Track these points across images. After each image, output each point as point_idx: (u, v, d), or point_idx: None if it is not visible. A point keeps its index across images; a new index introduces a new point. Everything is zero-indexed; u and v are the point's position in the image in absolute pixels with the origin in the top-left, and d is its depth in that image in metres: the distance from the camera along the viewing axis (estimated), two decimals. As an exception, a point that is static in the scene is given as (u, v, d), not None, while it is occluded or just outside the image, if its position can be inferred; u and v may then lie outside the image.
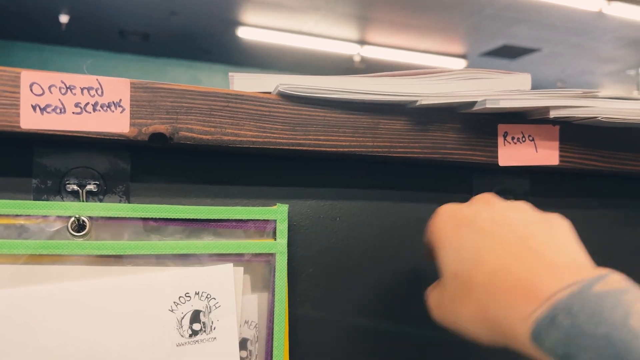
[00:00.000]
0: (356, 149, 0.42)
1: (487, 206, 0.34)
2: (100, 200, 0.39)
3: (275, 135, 0.40)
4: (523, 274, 0.28)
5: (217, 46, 5.64)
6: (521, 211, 0.33)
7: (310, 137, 0.41)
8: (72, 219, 0.37)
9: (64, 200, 0.39)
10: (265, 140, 0.40)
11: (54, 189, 0.38)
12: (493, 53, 5.46)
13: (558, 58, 5.37)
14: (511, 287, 0.27)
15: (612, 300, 0.24)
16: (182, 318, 0.38)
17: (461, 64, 5.86)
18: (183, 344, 0.38)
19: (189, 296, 0.39)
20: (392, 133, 0.42)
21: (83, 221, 0.38)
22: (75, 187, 0.39)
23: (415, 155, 0.43)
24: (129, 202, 0.40)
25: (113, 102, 0.36)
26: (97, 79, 0.36)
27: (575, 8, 4.02)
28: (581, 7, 4.00)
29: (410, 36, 5.20)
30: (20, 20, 4.67)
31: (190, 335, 0.39)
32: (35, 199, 0.38)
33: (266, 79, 0.42)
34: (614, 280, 0.26)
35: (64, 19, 4.53)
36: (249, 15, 4.75)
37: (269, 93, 0.41)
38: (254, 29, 5.03)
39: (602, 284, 0.25)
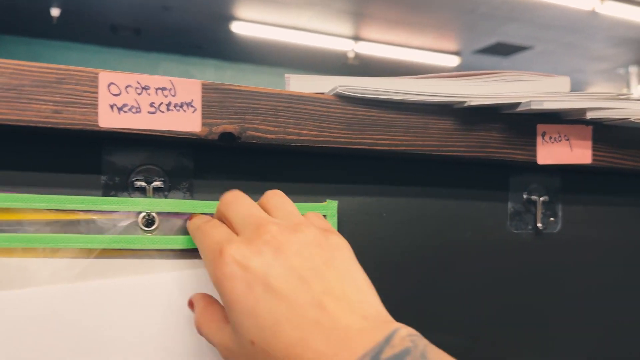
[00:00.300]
0: (407, 148, 0.44)
1: (276, 254, 0.31)
2: (166, 196, 0.41)
3: (333, 134, 0.42)
4: (320, 348, 0.28)
5: (210, 41, 5.62)
6: (309, 249, 0.32)
7: (366, 136, 0.43)
8: (143, 214, 0.39)
9: (131, 197, 0.40)
10: (324, 139, 0.41)
11: (121, 186, 0.40)
12: (486, 50, 5.51)
13: (550, 56, 5.43)
14: None
15: None
16: None
17: (454, 60, 5.90)
18: None
19: None
20: (440, 132, 0.44)
21: (152, 216, 0.39)
22: (143, 184, 0.40)
23: (462, 154, 0.45)
24: (192, 198, 0.42)
25: (185, 102, 0.37)
26: (170, 80, 0.37)
27: (569, 7, 4.08)
28: (575, 6, 4.06)
29: (405, 33, 5.23)
30: (10, 14, 4.61)
31: None
32: (104, 195, 0.39)
33: (320, 80, 0.44)
34: (400, 338, 0.28)
35: (55, 12, 4.48)
36: (243, 9, 4.74)
37: (322, 94, 0.43)
38: (248, 24, 5.02)
39: (389, 349, 0.27)
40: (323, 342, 0.28)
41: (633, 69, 5.43)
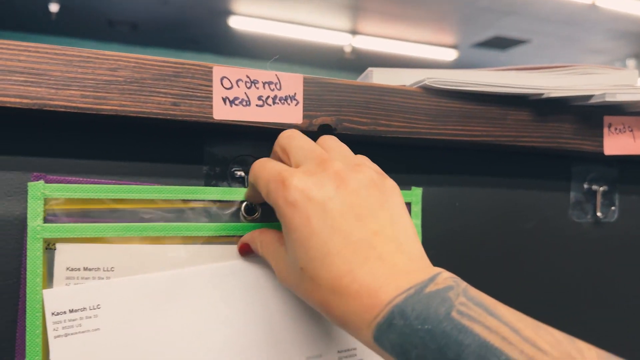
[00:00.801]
0: (486, 139, 0.46)
1: (337, 188, 0.32)
2: (260, 186, 0.42)
3: (418, 125, 0.43)
4: (367, 281, 0.29)
5: (207, 36, 5.60)
6: (367, 190, 0.33)
7: (448, 127, 0.44)
8: (245, 202, 0.40)
9: (230, 186, 0.42)
10: (411, 130, 0.43)
11: (221, 175, 0.41)
12: (484, 44, 5.54)
13: (547, 49, 5.47)
14: (356, 294, 0.29)
15: (439, 298, 0.27)
16: None
17: (452, 54, 5.92)
18: None
19: None
20: (518, 123, 0.46)
21: (254, 205, 0.41)
22: (241, 173, 0.42)
23: (537, 145, 0.47)
24: (283, 188, 0.43)
25: (289, 95, 0.39)
26: (276, 75, 0.39)
27: (568, 0, 4.11)
28: (574, 0, 4.08)
29: (402, 26, 5.24)
30: (9, 10, 4.57)
31: None
32: (205, 185, 0.41)
33: (402, 73, 0.46)
34: (444, 278, 0.29)
35: (54, 8, 4.45)
36: (241, 4, 4.72)
37: (404, 86, 0.45)
38: (246, 19, 5.01)
39: (433, 285, 0.28)
40: (370, 276, 0.29)
41: (630, 62, 5.49)
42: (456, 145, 0.46)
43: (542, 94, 0.45)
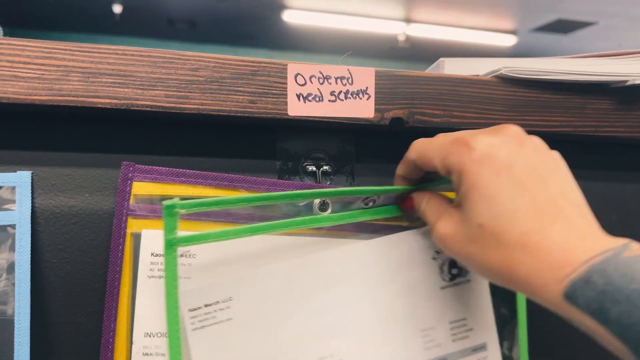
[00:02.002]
0: (564, 129, 0.44)
1: (519, 148, 0.33)
2: (331, 180, 0.43)
3: (494, 116, 0.42)
4: (559, 239, 0.30)
5: (262, 31, 5.67)
6: (543, 153, 0.34)
7: (526, 117, 0.43)
8: (319, 200, 0.41)
9: (302, 180, 0.42)
10: (486, 121, 0.42)
11: (294, 170, 0.42)
12: (545, 28, 5.30)
13: (614, 32, 5.17)
14: (547, 251, 0.29)
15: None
16: (443, 264, 0.42)
17: (510, 40, 5.71)
18: (445, 287, 0.42)
19: None
20: (598, 113, 0.44)
21: (327, 202, 0.41)
22: (313, 168, 0.42)
23: (619, 134, 0.45)
24: (354, 181, 0.43)
25: (361, 89, 0.39)
26: (348, 69, 0.39)
27: (638, -22, 3.86)
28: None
29: (458, 13, 5.09)
30: (75, 12, 4.81)
31: (451, 279, 0.42)
32: (279, 179, 0.42)
33: (475, 62, 0.45)
34: (636, 247, 0.29)
35: (117, 9, 4.64)
36: (295, -2, 4.75)
37: (477, 76, 0.44)
38: (300, 12, 5.03)
39: (629, 251, 0.28)
40: (561, 235, 0.30)
41: None
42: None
43: (626, 81, 0.43)
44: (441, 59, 0.45)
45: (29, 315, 0.35)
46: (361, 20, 5.23)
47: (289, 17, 5.13)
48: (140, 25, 5.18)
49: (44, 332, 0.37)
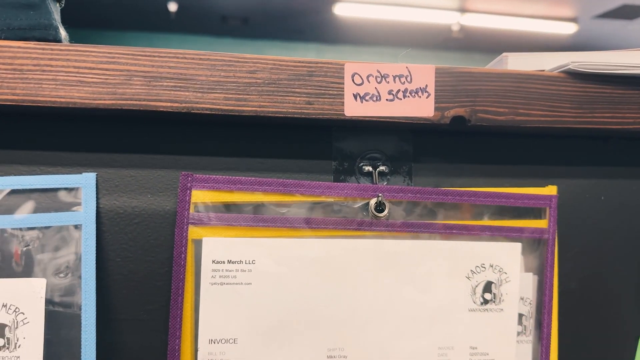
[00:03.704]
0: (639, 126, 0.41)
1: None
2: (388, 181, 0.42)
3: (563, 114, 0.40)
4: None
5: (313, 25, 5.68)
6: None
7: (597, 114, 0.40)
8: (375, 200, 0.40)
9: (358, 181, 0.42)
10: (553, 119, 0.40)
11: (350, 170, 0.41)
12: (609, 14, 5.03)
13: (688, 15, 4.83)
14: None
15: None
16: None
17: (571, 28, 5.45)
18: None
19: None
20: (679, 108, 0.41)
21: (383, 203, 0.40)
22: (369, 169, 0.42)
23: (702, 130, 0.41)
24: (411, 182, 0.42)
25: (420, 87, 0.38)
26: (406, 67, 0.38)
27: None
28: None
29: (514, 1, 4.91)
30: (132, 12, 4.98)
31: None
32: (335, 180, 0.41)
33: (540, 57, 0.42)
34: None
35: (172, 7, 4.76)
36: (346, -9, 4.72)
37: (542, 71, 0.41)
38: (351, 4, 5.00)
39: None
40: None
41: None
42: (605, 134, 0.42)
43: None
44: (504, 54, 0.43)
45: (95, 312, 0.37)
46: (413, 11, 5.14)
47: (340, 10, 5.11)
48: (194, 23, 5.30)
49: (108, 328, 0.38)
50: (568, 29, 5.49)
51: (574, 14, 5.20)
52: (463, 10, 5.19)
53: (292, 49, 6.28)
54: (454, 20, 5.34)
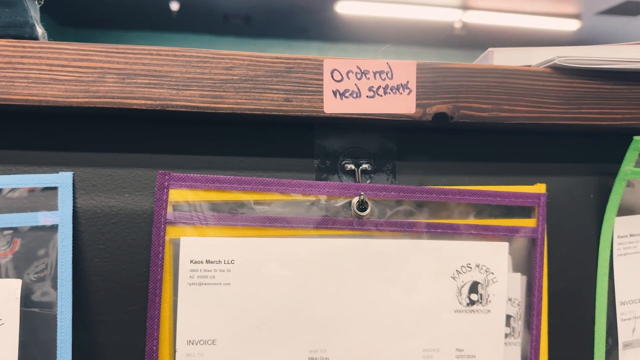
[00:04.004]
0: (629, 122, 0.40)
1: None
2: (371, 179, 0.41)
3: (548, 110, 0.39)
4: None
5: (314, 24, 5.67)
6: None
7: (583, 110, 0.40)
8: (357, 198, 0.40)
9: (341, 180, 0.41)
10: (539, 115, 0.39)
11: (332, 169, 0.41)
12: (612, 11, 4.99)
13: (692, 11, 4.79)
14: None
15: None
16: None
17: (574, 25, 5.42)
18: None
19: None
20: (668, 103, 0.40)
21: (365, 202, 0.40)
22: (352, 167, 0.41)
23: (693, 126, 0.40)
24: (395, 180, 0.42)
25: (401, 84, 0.37)
26: (387, 63, 0.37)
27: None
28: None
29: (518, -2, 4.88)
30: (134, 11, 4.98)
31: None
32: (317, 178, 0.41)
33: (526, 52, 0.42)
34: None
35: (174, 6, 4.76)
36: (348, -11, 4.71)
37: (529, 66, 0.40)
38: (353, 2, 4.98)
39: None
40: None
41: None
42: (592, 130, 0.41)
43: (701, 68, 0.39)
44: (490, 49, 0.42)
45: (71, 313, 0.36)
46: (415, 9, 5.12)
47: (342, 8, 5.10)
48: (196, 22, 5.30)
49: (86, 329, 0.37)
50: (571, 26, 5.46)
51: (577, 10, 5.16)
52: (465, 7, 5.17)
53: (294, 47, 6.27)
54: (456, 17, 5.32)
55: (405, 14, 5.18)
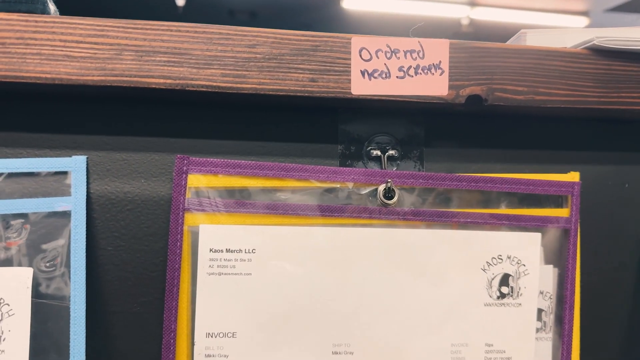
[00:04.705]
0: (670, 106, 0.38)
1: None
2: (398, 166, 0.39)
3: (586, 93, 0.37)
4: None
5: (320, 19, 5.64)
6: None
7: (622, 94, 0.38)
8: (384, 186, 0.38)
9: (366, 166, 0.39)
10: (576, 99, 0.37)
11: (357, 155, 0.39)
12: (621, 8, 4.95)
13: (703, 8, 4.74)
14: None
15: None
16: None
17: (582, 22, 5.38)
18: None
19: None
20: None
21: (392, 189, 0.38)
22: (378, 153, 0.39)
23: None
24: (422, 167, 0.40)
25: (433, 64, 0.35)
26: (418, 41, 0.35)
27: None
28: None
29: (526, -6, 4.84)
30: (139, 6, 4.97)
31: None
32: (340, 165, 0.39)
33: (561, 33, 0.40)
34: None
35: (180, 1, 4.74)
36: (355, -16, 4.68)
37: (566, 48, 0.38)
38: (359, -1, 4.95)
39: None
40: None
41: None
42: (630, 116, 0.39)
43: None
44: (522, 30, 0.40)
45: (85, 304, 0.34)
46: (422, 5, 5.08)
47: (349, 4, 5.07)
48: (202, 17, 5.27)
49: (99, 321, 0.36)
50: (579, 23, 5.42)
51: (585, 7, 5.12)
52: (473, 3, 5.13)
53: (299, 43, 6.25)
54: (463, 14, 5.28)
55: (412, 10, 5.15)
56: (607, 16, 5.23)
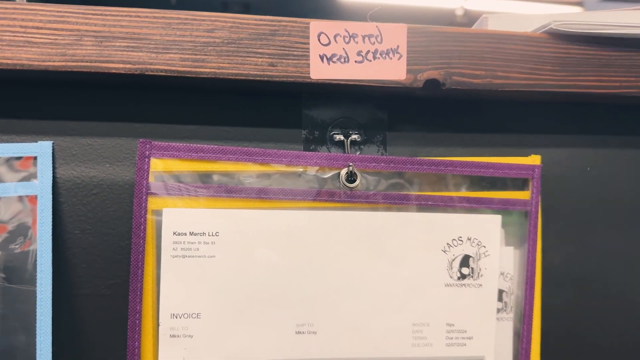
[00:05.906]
0: (627, 90, 0.39)
1: None
2: (361, 150, 0.40)
3: (544, 77, 0.38)
4: None
5: (314, 11, 5.62)
6: None
7: (580, 78, 0.38)
8: (346, 170, 0.38)
9: (329, 151, 0.40)
10: (534, 82, 0.38)
11: (320, 139, 0.39)
12: (615, -4, 4.94)
13: (696, -3, 4.74)
14: None
15: None
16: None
17: (577, 11, 5.36)
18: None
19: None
20: (669, 70, 0.39)
21: (354, 173, 0.38)
22: (341, 137, 0.39)
23: (694, 94, 0.39)
24: (385, 151, 0.40)
25: (391, 48, 0.36)
26: (376, 26, 0.36)
27: None
28: None
29: (520, -16, 4.83)
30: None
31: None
32: (304, 149, 0.39)
33: (522, 18, 0.40)
34: None
35: (172, -7, 4.72)
36: (348, -25, 4.66)
37: (525, 32, 0.39)
38: (353, -11, 4.93)
39: None
40: None
41: None
42: (590, 98, 0.40)
43: (703, 33, 0.37)
44: (484, 15, 0.41)
45: (51, 287, 0.35)
46: (416, -5, 5.06)
47: (342, -5, 5.05)
48: (195, 8, 5.25)
49: (67, 304, 0.36)
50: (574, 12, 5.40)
51: (580, -3, 5.11)
52: (467, -7, 5.12)
53: (294, 35, 6.23)
54: (457, 4, 5.27)
55: (406, 1, 5.14)
56: (601, 5, 5.23)
